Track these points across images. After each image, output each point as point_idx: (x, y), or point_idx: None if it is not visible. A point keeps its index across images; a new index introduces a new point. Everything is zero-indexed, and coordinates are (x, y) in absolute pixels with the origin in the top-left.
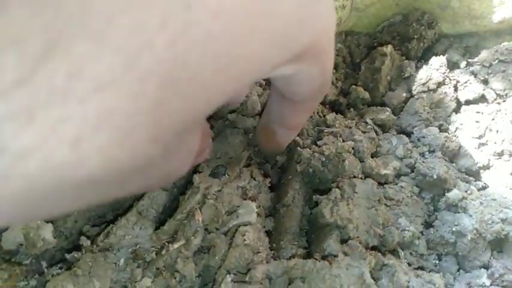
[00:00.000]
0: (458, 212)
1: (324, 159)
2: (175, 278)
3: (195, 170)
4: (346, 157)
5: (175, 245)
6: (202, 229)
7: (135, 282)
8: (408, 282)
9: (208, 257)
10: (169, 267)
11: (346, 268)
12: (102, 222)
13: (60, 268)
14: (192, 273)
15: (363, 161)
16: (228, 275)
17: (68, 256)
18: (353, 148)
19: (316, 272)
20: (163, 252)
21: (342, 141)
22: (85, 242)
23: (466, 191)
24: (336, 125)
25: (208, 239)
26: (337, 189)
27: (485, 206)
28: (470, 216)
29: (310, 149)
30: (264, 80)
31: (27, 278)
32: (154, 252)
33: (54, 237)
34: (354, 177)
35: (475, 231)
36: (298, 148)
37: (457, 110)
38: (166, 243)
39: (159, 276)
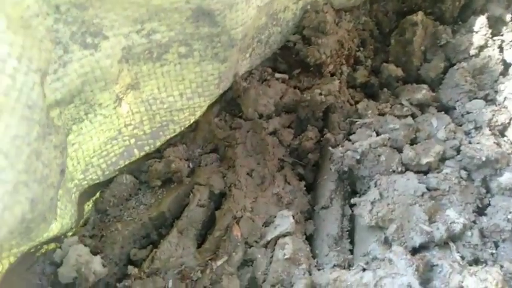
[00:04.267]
0: None
1: (358, 156)
2: None
3: (229, 181)
4: (381, 152)
5: (219, 262)
6: (242, 244)
7: None
8: (462, 282)
9: (252, 270)
10: (215, 284)
11: (392, 277)
12: (147, 243)
13: None
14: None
15: (401, 152)
16: None
17: (119, 285)
18: (389, 139)
19: (361, 284)
20: (208, 270)
21: (375, 133)
22: (132, 270)
23: None
24: (368, 115)
25: (249, 253)
26: (375, 188)
27: None
28: None
29: (342, 146)
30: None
31: None
32: (199, 271)
33: (105, 266)
34: (393, 171)
35: None
36: (330, 148)
37: (504, 73)
38: (209, 261)
39: None
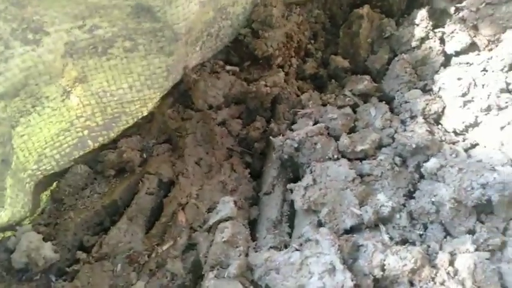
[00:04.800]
0: (438, 181)
1: (296, 144)
2: (167, 278)
3: (177, 170)
4: (317, 140)
5: (164, 247)
6: (187, 229)
7: (131, 285)
8: (384, 260)
9: (196, 253)
10: (161, 268)
11: (316, 256)
12: (101, 230)
13: (65, 280)
14: (180, 270)
15: (338, 140)
16: (210, 272)
17: (68, 270)
18: (326, 128)
19: (288, 263)
20: (154, 254)
21: (315, 122)
22: (81, 255)
23: (450, 155)
24: (310, 105)
25: (193, 237)
26: (309, 174)
27: (465, 172)
28: (448, 185)
29: (283, 135)
30: None
31: None
32: (146, 255)
33: (56, 252)
34: (329, 158)
35: (453, 200)
36: (271, 137)
37: (446, 64)
38: (156, 246)
39: (152, 277)
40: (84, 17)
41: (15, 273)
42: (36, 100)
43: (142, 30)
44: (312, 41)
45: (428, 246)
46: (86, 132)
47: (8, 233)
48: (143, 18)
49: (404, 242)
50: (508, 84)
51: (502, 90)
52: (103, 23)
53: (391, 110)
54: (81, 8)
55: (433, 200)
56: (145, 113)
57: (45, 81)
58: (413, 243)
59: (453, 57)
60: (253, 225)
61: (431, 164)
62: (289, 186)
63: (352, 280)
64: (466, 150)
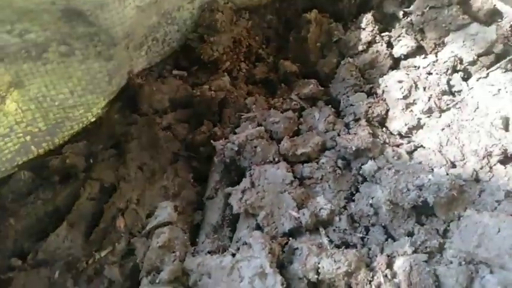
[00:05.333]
0: (376, 183)
1: (236, 148)
2: (104, 284)
3: (120, 175)
4: (257, 143)
5: (103, 253)
6: (126, 234)
7: None
8: (318, 263)
9: (135, 259)
10: (99, 274)
11: (247, 260)
12: (44, 237)
13: None
14: (118, 277)
15: (280, 143)
16: (145, 278)
17: (3, 277)
18: (269, 131)
19: (220, 267)
20: (91, 261)
21: (258, 125)
22: (16, 262)
23: (393, 157)
24: (254, 109)
25: (132, 243)
26: (248, 177)
27: (401, 174)
28: (384, 187)
29: (225, 139)
30: None
31: None
32: (85, 262)
33: None
34: (270, 162)
35: (388, 202)
36: (212, 141)
37: (394, 68)
38: (94, 252)
39: (90, 284)
40: (12, 21)
41: None
42: None
43: (77, 35)
44: (264, 46)
45: (369, 249)
46: (28, 137)
47: None
48: (76, 22)
49: (345, 245)
50: (450, 86)
51: (443, 93)
52: (34, 27)
53: (338, 114)
54: (7, 13)
55: (370, 202)
56: (90, 118)
57: None
58: (354, 246)
59: (401, 61)
60: (196, 230)
61: (369, 166)
62: (227, 190)
63: (282, 284)
64: (410, 153)
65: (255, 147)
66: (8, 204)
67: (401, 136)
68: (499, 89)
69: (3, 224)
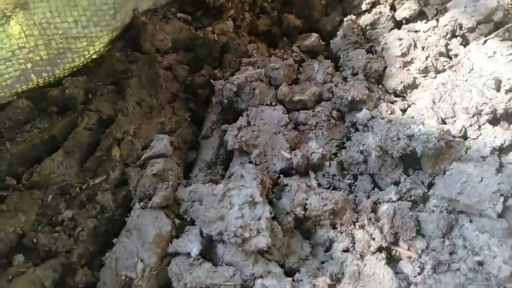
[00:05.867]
0: (368, 131)
1: (235, 88)
2: (96, 209)
3: (118, 108)
4: (256, 85)
5: (97, 180)
6: (121, 164)
7: (59, 214)
8: (306, 199)
9: (127, 189)
10: (92, 200)
11: (239, 189)
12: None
13: None
14: (110, 203)
15: (278, 89)
16: (137, 203)
17: None
18: (268, 76)
19: (211, 194)
20: (85, 186)
21: (256, 69)
22: (11, 181)
23: (386, 111)
24: (255, 54)
25: (126, 172)
26: (245, 117)
27: (393, 123)
28: (376, 134)
29: (225, 80)
30: None
31: None
32: (78, 188)
33: None
34: (268, 105)
35: (378, 149)
36: (211, 80)
37: (394, 29)
38: (88, 179)
39: (82, 209)
40: None
41: None
42: None
43: None
44: (269, 0)
45: (356, 196)
46: (29, 65)
47: None
48: None
49: (333, 189)
50: (448, 50)
51: (440, 54)
52: None
53: (336, 69)
54: None
55: (361, 149)
56: (92, 53)
57: None
58: (342, 191)
59: (403, 25)
60: (190, 168)
61: (363, 114)
62: (223, 127)
63: (270, 213)
64: (403, 111)
65: (254, 89)
66: (4, 131)
67: (396, 95)
68: (495, 52)
69: None
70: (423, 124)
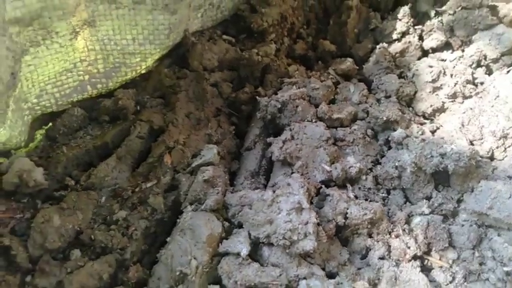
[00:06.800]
0: (403, 149)
1: (279, 105)
2: (147, 211)
3: (168, 120)
4: (299, 103)
5: (148, 184)
6: (171, 170)
7: (113, 214)
8: (347, 209)
9: (177, 193)
10: (143, 202)
11: (287, 196)
12: (89, 168)
13: (51, 204)
14: (161, 206)
15: (318, 107)
16: (189, 206)
17: (56, 194)
18: (308, 96)
19: (261, 199)
20: (137, 189)
21: (298, 89)
22: (70, 181)
23: (417, 132)
24: (296, 75)
25: (176, 178)
26: (288, 131)
27: (427, 142)
28: (411, 151)
29: (269, 97)
30: None
31: (24, 212)
32: (130, 191)
33: (46, 180)
34: (309, 121)
35: (413, 165)
36: (257, 97)
37: (422, 58)
38: (141, 183)
39: (134, 210)
40: None
41: (4, 195)
42: (47, 33)
43: None
44: (305, 27)
45: (389, 209)
46: (86, 77)
47: (1, 160)
48: None
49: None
50: (474, 78)
51: (467, 82)
52: None
53: (369, 91)
54: None
55: (396, 164)
56: (144, 68)
57: (58, 16)
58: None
59: (429, 54)
60: (232, 177)
61: (398, 133)
62: (269, 140)
63: (316, 219)
64: (432, 132)
65: (297, 106)
66: (59, 136)
67: (425, 117)
68: None
69: (55, 152)
70: (455, 144)
